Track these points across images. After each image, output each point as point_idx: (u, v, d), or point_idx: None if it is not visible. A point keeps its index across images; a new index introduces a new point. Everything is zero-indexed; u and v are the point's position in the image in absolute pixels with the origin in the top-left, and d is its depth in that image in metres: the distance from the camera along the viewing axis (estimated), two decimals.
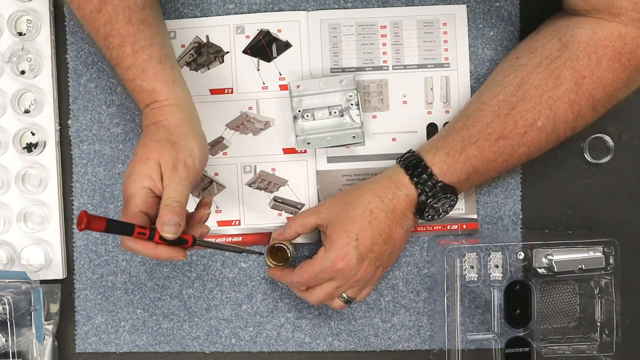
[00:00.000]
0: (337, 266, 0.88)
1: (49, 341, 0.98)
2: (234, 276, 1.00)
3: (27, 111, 0.99)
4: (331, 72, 0.99)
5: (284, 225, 0.95)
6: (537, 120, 0.86)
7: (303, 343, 1.01)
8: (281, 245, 0.96)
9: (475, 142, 0.87)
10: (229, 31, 0.99)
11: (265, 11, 0.99)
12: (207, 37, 0.99)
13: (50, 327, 0.98)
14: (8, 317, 0.91)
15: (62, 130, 1.00)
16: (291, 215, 0.99)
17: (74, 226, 1.00)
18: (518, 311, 0.94)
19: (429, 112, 0.99)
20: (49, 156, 0.99)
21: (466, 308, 0.97)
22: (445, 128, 0.92)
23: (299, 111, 0.97)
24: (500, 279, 0.94)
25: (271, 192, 1.00)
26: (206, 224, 0.87)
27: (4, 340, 0.92)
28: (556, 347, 0.97)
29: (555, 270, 0.93)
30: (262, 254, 0.96)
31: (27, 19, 0.98)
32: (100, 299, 1.01)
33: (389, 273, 0.99)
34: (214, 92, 0.99)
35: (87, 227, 0.74)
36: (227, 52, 0.99)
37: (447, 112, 0.99)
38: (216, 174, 1.00)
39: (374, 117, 0.99)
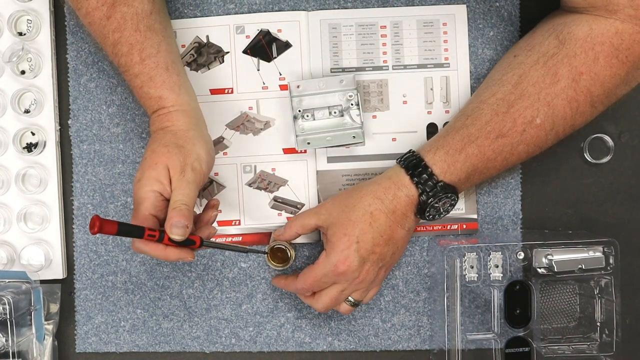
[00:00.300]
0: (339, 270, 0.88)
1: (49, 341, 0.98)
2: (234, 276, 1.00)
3: (27, 111, 0.99)
4: (331, 72, 0.99)
5: (284, 226, 0.95)
6: (536, 118, 0.86)
7: (303, 343, 1.01)
8: (281, 245, 0.96)
9: (475, 141, 0.87)
10: (229, 31, 0.99)
11: (265, 11, 0.99)
12: (207, 37, 0.99)
13: (50, 327, 0.98)
14: (8, 317, 0.91)
15: (62, 130, 1.00)
16: (291, 215, 0.99)
17: (74, 226, 1.00)
18: (518, 311, 0.94)
19: (429, 112, 0.99)
20: (49, 156, 0.99)
21: (466, 308, 0.97)
22: (444, 127, 0.93)
23: (299, 111, 0.97)
24: (500, 278, 0.94)
25: (271, 192, 1.00)
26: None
27: (4, 340, 0.92)
28: (556, 347, 0.97)
29: (555, 270, 0.93)
30: (266, 252, 0.96)
31: (27, 19, 0.98)
32: (100, 299, 1.01)
33: (389, 273, 0.99)
34: (214, 92, 0.99)
35: (100, 230, 0.76)
36: (227, 52, 0.99)
37: (447, 112, 0.99)
38: (216, 174, 1.00)
39: (374, 117, 0.99)
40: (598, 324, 0.96)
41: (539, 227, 1.00)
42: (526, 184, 1.00)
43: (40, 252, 0.99)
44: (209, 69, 0.99)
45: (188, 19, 0.99)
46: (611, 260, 0.93)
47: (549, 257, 0.93)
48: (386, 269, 0.93)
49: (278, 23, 0.99)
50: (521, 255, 0.94)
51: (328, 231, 0.90)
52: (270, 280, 1.00)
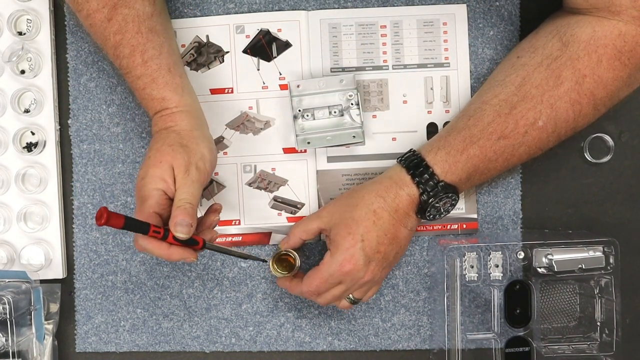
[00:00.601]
0: (344, 269, 0.88)
1: (49, 341, 0.98)
2: (234, 276, 1.00)
3: (27, 111, 0.99)
4: (331, 71, 0.99)
5: (288, 234, 0.95)
6: (538, 120, 0.86)
7: (303, 343, 1.01)
8: (286, 253, 0.95)
9: (477, 142, 0.87)
10: (229, 31, 0.99)
11: (265, 11, 0.99)
12: (207, 36, 0.99)
13: (50, 327, 0.98)
14: (8, 316, 0.91)
15: (62, 130, 1.00)
16: (291, 215, 0.99)
17: (74, 226, 1.00)
18: (518, 311, 0.94)
19: (429, 112, 0.99)
20: (49, 156, 0.99)
21: (466, 308, 0.97)
22: (446, 128, 0.92)
23: (299, 111, 0.97)
24: (500, 278, 0.94)
25: (271, 191, 1.00)
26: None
27: (4, 340, 0.92)
28: (556, 347, 0.97)
29: (555, 269, 0.93)
30: (266, 261, 0.96)
31: (27, 19, 0.98)
32: (100, 298, 1.01)
33: (389, 273, 0.99)
34: (214, 91, 0.99)
35: (107, 223, 0.76)
36: (227, 52, 0.99)
37: (447, 111, 0.99)
38: (216, 174, 0.99)
39: (374, 116, 0.99)
40: (598, 323, 0.96)
41: (539, 227, 1.00)
42: (526, 183, 1.00)
43: (40, 252, 0.99)
44: (209, 68, 0.99)
45: (188, 18, 0.99)
46: (611, 260, 0.93)
47: (549, 256, 0.94)
48: (388, 269, 0.93)
49: (278, 23, 0.99)
50: (521, 255, 0.94)
51: (331, 232, 0.90)
52: (271, 280, 1.00)
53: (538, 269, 0.94)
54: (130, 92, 0.99)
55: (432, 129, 0.99)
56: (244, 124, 0.99)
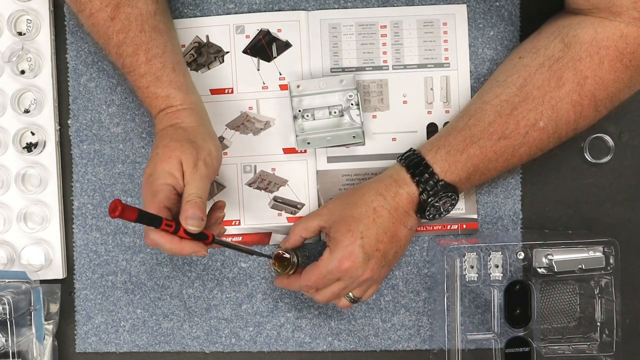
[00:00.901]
0: (343, 266, 0.88)
1: (49, 341, 0.98)
2: (234, 276, 1.00)
3: (27, 111, 0.99)
4: (331, 72, 0.99)
5: (289, 233, 0.95)
6: (539, 121, 0.86)
7: (303, 343, 1.01)
8: (285, 253, 0.95)
9: (477, 142, 0.87)
10: (229, 31, 0.99)
11: (265, 11, 0.99)
12: (207, 37, 0.99)
13: (50, 327, 0.98)
14: (8, 317, 0.91)
15: (62, 130, 1.00)
16: (291, 215, 0.99)
17: (74, 226, 1.00)
18: (518, 311, 0.94)
19: (429, 112, 0.99)
20: (49, 156, 0.99)
21: (466, 308, 0.97)
22: (446, 127, 0.92)
23: (299, 111, 0.97)
24: (500, 278, 0.94)
25: (271, 192, 1.00)
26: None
27: (4, 340, 0.92)
28: (556, 347, 0.97)
29: (555, 270, 0.93)
30: (271, 257, 0.96)
31: (27, 19, 0.98)
32: (100, 298, 1.01)
33: (389, 272, 0.99)
34: (214, 92, 0.99)
35: (121, 215, 0.76)
36: (227, 52, 0.99)
37: (447, 111, 0.99)
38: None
39: (374, 117, 0.99)
40: (598, 324, 0.96)
41: (539, 227, 1.00)
42: (526, 184, 1.00)
43: (40, 252, 0.99)
44: (209, 68, 0.99)
45: (188, 18, 0.99)
46: (611, 260, 0.93)
47: (549, 257, 0.93)
48: (388, 268, 0.93)
49: (278, 23, 0.99)
50: (521, 255, 0.94)
51: (331, 230, 0.90)
52: (271, 280, 1.00)
53: (538, 269, 0.94)
54: (131, 92, 0.99)
55: (432, 129, 0.99)
56: (244, 124, 0.99)
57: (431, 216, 0.90)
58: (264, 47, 0.99)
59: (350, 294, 0.92)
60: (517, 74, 0.89)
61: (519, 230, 0.99)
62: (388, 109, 0.99)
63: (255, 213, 1.00)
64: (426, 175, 0.88)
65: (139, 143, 1.00)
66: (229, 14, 0.99)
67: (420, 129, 0.99)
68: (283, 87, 0.99)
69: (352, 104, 0.96)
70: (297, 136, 0.97)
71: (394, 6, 0.98)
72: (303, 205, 0.99)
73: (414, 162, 0.89)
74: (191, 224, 0.81)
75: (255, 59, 0.99)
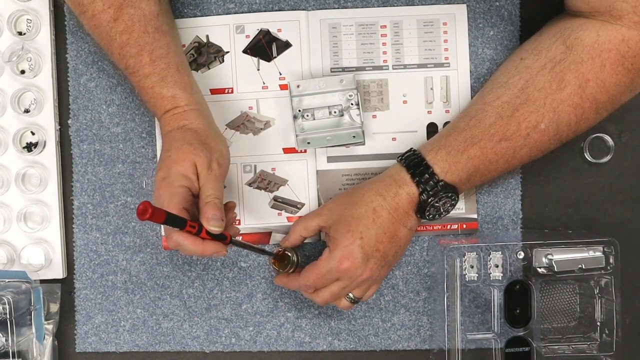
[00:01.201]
0: (342, 266, 0.88)
1: (49, 341, 0.98)
2: (234, 276, 1.00)
3: (27, 111, 0.99)
4: (331, 71, 0.99)
5: (289, 232, 0.95)
6: (541, 123, 0.87)
7: (303, 343, 1.01)
8: (285, 252, 0.95)
9: (478, 143, 0.87)
10: (228, 31, 0.99)
11: (265, 11, 0.99)
12: (207, 36, 0.99)
13: (50, 327, 0.98)
14: (8, 316, 0.91)
15: (62, 130, 1.00)
16: (291, 215, 0.99)
17: (74, 226, 1.00)
18: (518, 311, 0.94)
19: (429, 112, 0.99)
20: (49, 156, 0.99)
21: (466, 308, 0.97)
22: (447, 127, 0.92)
23: (299, 111, 0.97)
24: (500, 278, 0.94)
25: (271, 191, 1.00)
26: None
27: (4, 340, 0.92)
28: (556, 347, 0.97)
29: (555, 269, 0.93)
30: (272, 256, 0.96)
31: (27, 19, 0.98)
32: (100, 298, 1.01)
33: (389, 272, 0.99)
34: (214, 92, 0.99)
35: (151, 217, 0.76)
36: (227, 52, 0.99)
37: (447, 111, 0.99)
38: None
39: (374, 116, 0.99)
40: (598, 323, 0.96)
41: (539, 227, 1.00)
42: (526, 183, 1.00)
43: (40, 252, 0.99)
44: (209, 68, 0.99)
45: (188, 18, 0.99)
46: (611, 260, 0.93)
47: (549, 256, 0.94)
48: (387, 268, 0.93)
49: (278, 23, 0.99)
50: (521, 255, 0.94)
51: (331, 229, 0.90)
52: (271, 279, 1.00)
53: (538, 269, 0.94)
54: (131, 92, 0.99)
55: (432, 129, 0.99)
56: (244, 124, 0.99)
57: (431, 216, 0.90)
58: (264, 47, 0.99)
59: (350, 294, 0.92)
60: (518, 75, 0.89)
61: (519, 230, 0.99)
62: (388, 108, 0.99)
63: (255, 213, 1.00)
64: (426, 175, 0.88)
65: (139, 143, 1.00)
66: (229, 13, 0.99)
67: (420, 128, 0.99)
68: (283, 87, 0.99)
69: (352, 104, 0.96)
70: (297, 136, 0.97)
71: (394, 6, 0.98)
72: (303, 205, 0.99)
73: (414, 162, 0.89)
74: (213, 225, 0.82)
75: (255, 59, 0.99)
